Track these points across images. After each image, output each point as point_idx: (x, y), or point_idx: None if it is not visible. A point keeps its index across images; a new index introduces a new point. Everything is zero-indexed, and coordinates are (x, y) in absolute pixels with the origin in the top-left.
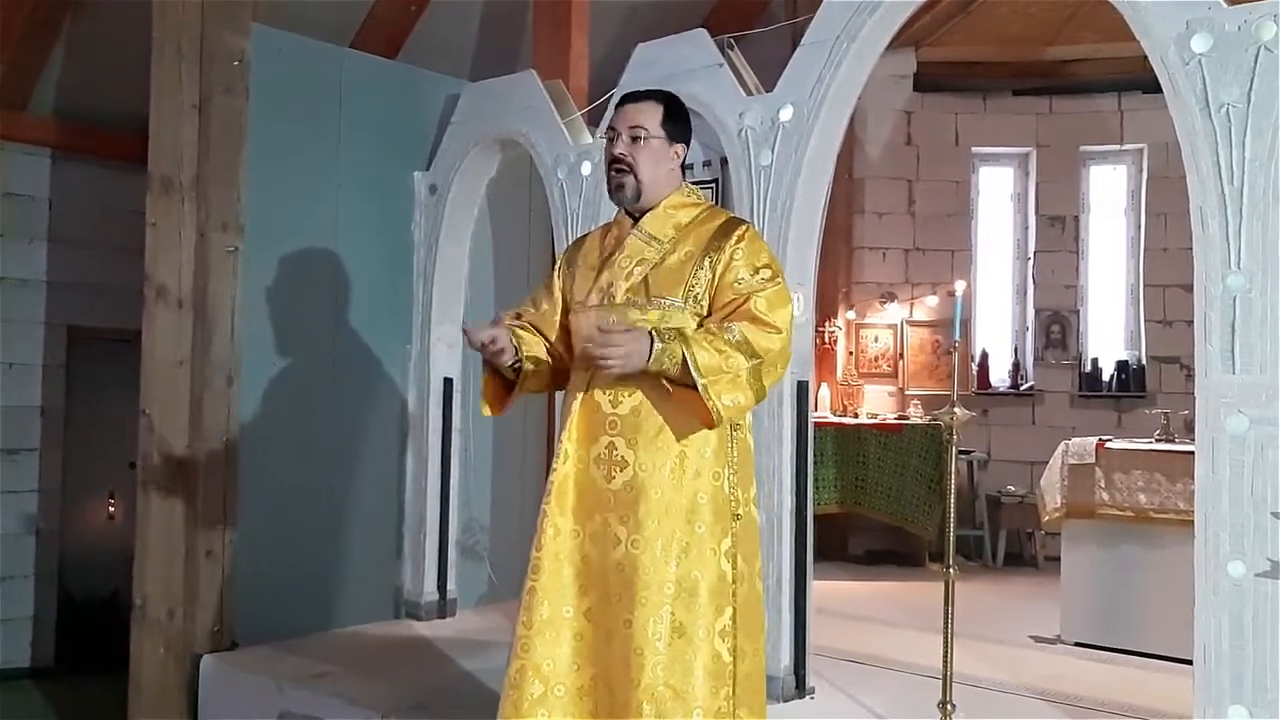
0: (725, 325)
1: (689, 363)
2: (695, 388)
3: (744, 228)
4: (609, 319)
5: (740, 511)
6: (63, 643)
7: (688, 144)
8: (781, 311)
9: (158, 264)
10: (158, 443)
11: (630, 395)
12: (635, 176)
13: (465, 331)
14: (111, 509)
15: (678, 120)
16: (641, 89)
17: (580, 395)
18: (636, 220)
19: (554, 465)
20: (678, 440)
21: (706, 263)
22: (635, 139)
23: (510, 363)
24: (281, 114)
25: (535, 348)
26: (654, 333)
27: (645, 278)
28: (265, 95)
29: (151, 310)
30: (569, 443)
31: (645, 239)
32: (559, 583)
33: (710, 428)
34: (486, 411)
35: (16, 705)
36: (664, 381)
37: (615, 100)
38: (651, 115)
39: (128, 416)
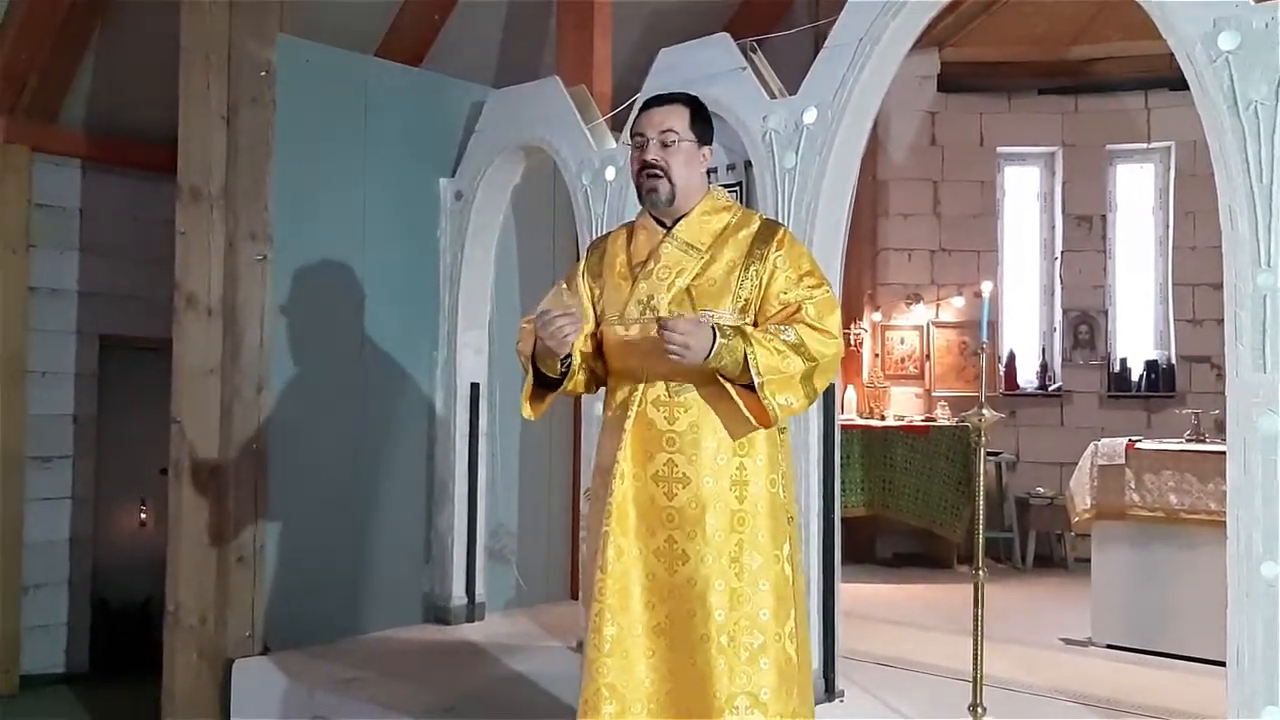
0: (781, 327)
1: (749, 360)
2: (750, 386)
3: (781, 232)
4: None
5: (792, 514)
6: (97, 648)
7: (712, 145)
8: (832, 318)
9: (187, 273)
10: (189, 450)
11: (686, 412)
12: (669, 180)
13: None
14: (144, 516)
15: (704, 122)
16: (665, 92)
17: (633, 413)
18: (668, 228)
19: (611, 485)
20: (735, 452)
21: (751, 272)
22: (667, 144)
23: (563, 354)
24: (308, 123)
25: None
26: (715, 328)
27: (688, 289)
28: (292, 105)
29: (182, 319)
30: (625, 462)
31: (683, 248)
32: (626, 603)
33: (765, 427)
34: (527, 412)
35: (51, 711)
36: (719, 378)
37: (639, 104)
38: (680, 118)
39: (159, 424)
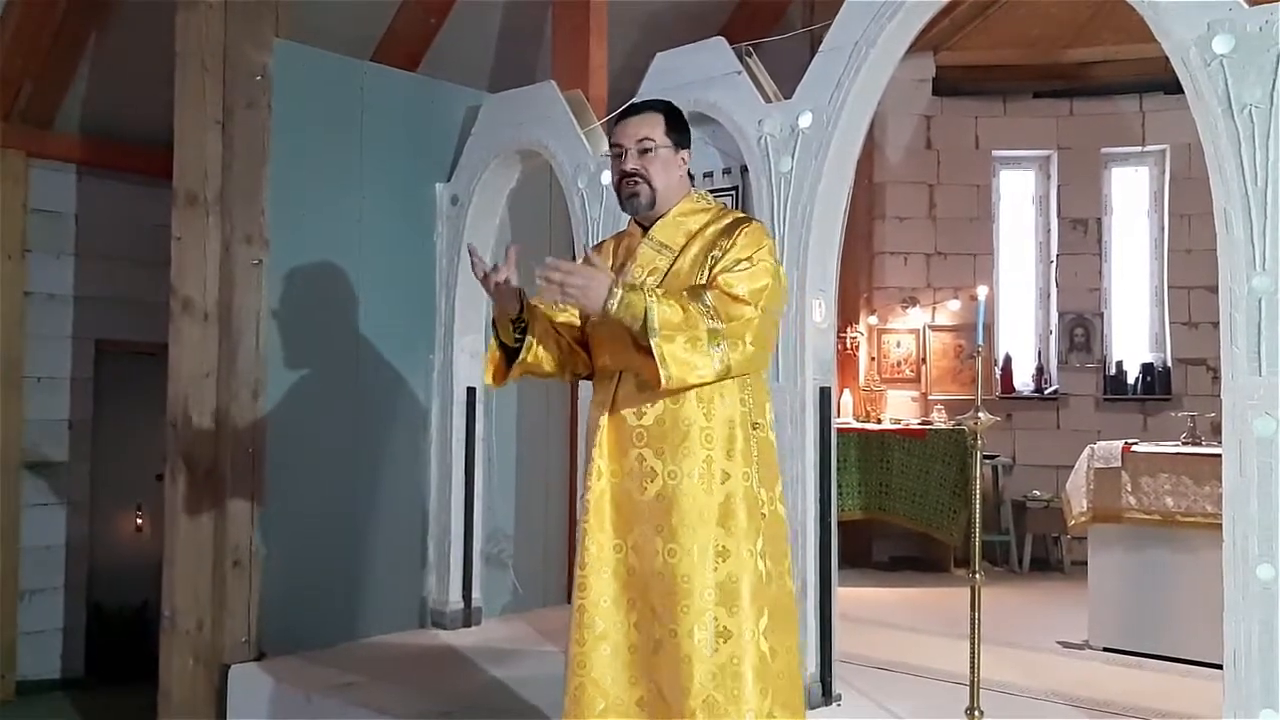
0: (696, 291)
1: (646, 315)
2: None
3: (745, 226)
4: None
5: (766, 510)
6: (92, 654)
7: (690, 148)
8: (750, 286)
9: (183, 277)
10: (185, 455)
11: (653, 406)
12: (650, 186)
13: (471, 251)
14: (139, 521)
15: (679, 128)
16: (638, 101)
17: (607, 410)
18: (646, 230)
19: (588, 483)
20: (703, 445)
21: (709, 259)
22: (644, 151)
23: (514, 315)
24: (304, 127)
25: (545, 322)
26: (617, 282)
27: (659, 286)
28: (288, 109)
29: (177, 323)
30: (600, 459)
31: (656, 248)
32: (607, 598)
33: (657, 387)
34: (487, 379)
35: (47, 716)
36: (632, 341)
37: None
38: (655, 125)
39: (155, 429)
